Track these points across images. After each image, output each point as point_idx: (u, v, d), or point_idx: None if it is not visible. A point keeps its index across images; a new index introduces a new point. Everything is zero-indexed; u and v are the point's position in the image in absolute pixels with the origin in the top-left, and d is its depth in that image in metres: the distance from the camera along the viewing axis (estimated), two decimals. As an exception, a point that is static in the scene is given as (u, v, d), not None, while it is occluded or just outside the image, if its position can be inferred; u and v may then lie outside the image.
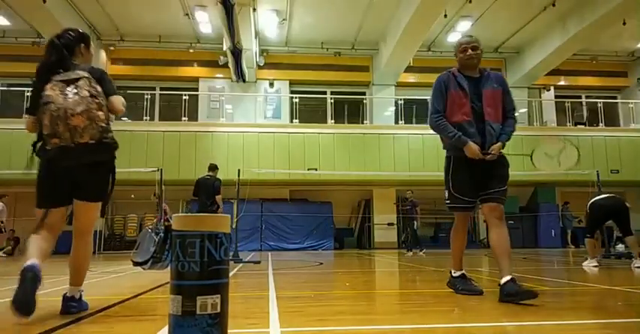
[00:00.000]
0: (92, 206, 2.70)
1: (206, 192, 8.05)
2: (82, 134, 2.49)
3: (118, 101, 2.71)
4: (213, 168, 8.45)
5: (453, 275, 3.51)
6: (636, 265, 5.97)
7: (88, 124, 2.50)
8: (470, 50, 3.36)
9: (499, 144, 3.29)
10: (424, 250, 11.26)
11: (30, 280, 2.32)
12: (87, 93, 2.54)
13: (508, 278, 2.95)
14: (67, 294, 2.65)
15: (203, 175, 8.43)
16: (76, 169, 2.58)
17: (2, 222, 12.29)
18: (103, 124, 2.56)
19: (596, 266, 6.21)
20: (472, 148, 3.23)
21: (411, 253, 10.90)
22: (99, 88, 2.61)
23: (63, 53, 2.71)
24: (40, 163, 2.62)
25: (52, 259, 2.74)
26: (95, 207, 2.72)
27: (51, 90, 2.52)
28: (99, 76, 2.68)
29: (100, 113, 2.56)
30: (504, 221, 3.23)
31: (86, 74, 2.62)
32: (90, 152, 2.54)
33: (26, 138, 2.62)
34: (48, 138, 2.49)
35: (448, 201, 3.41)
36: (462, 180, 3.32)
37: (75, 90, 2.53)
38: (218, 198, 8.06)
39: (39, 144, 2.59)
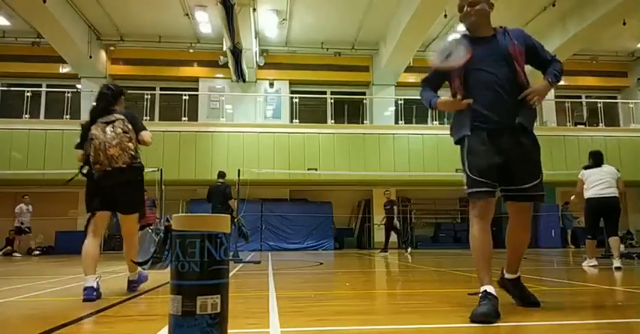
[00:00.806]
0: (131, 217, 3.60)
1: (217, 198, 8.80)
2: (117, 160, 3.32)
3: (147, 135, 3.57)
4: (222, 175, 9.25)
5: (481, 289, 2.52)
6: (616, 265, 5.84)
7: (120, 153, 3.33)
8: (466, 6, 2.75)
9: (545, 83, 2.72)
10: (388, 253, 11.27)
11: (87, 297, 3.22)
12: (120, 130, 3.38)
13: (514, 276, 2.79)
14: (129, 278, 3.73)
15: (215, 182, 9.21)
16: (114, 187, 3.41)
17: (22, 224, 12.31)
18: (132, 152, 3.40)
19: (594, 266, 6.19)
20: (443, 101, 2.68)
21: (409, 250, 10.92)
22: (130, 126, 3.46)
23: (109, 101, 3.59)
24: (89, 181, 3.48)
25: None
26: (133, 217, 3.61)
27: (95, 130, 3.37)
28: (131, 117, 3.55)
29: (130, 144, 3.40)
30: (528, 224, 2.75)
31: (121, 116, 3.48)
32: (123, 173, 3.38)
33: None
34: (93, 164, 3.36)
35: (467, 188, 2.67)
36: (478, 158, 2.61)
37: (112, 129, 3.37)
38: (231, 202, 8.82)
39: (84, 167, 3.47)
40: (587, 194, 6.39)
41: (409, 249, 11.00)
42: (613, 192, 6.25)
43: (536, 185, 2.62)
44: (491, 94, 2.63)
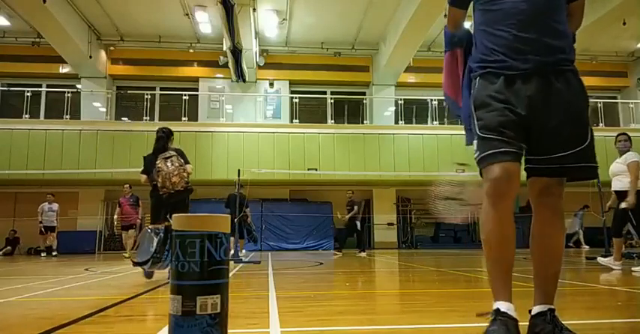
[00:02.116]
0: None
1: (235, 205, 9.59)
2: (177, 185, 4.63)
3: (189, 167, 4.84)
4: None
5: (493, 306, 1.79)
6: (615, 267, 5.72)
7: (179, 180, 4.64)
8: None
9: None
10: (366, 252, 11.23)
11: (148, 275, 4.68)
12: (178, 164, 4.69)
13: (544, 308, 1.81)
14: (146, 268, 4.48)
15: (233, 192, 9.83)
16: (173, 203, 4.66)
17: (41, 222, 12.19)
18: (186, 179, 4.73)
19: None
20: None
21: (364, 254, 10.86)
22: (182, 161, 4.76)
23: (165, 140, 4.92)
24: (154, 199, 4.78)
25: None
26: None
27: (160, 164, 4.63)
28: (180, 153, 4.84)
29: (185, 174, 4.71)
30: (560, 212, 1.89)
31: (174, 153, 4.77)
32: (181, 194, 4.70)
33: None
34: (161, 188, 4.61)
35: (477, 153, 1.84)
36: (494, 110, 1.80)
37: (171, 163, 4.65)
38: (247, 210, 9.70)
39: (155, 191, 4.74)
40: None
41: (364, 253, 10.93)
42: None
43: (579, 152, 1.78)
44: (514, 30, 1.81)
